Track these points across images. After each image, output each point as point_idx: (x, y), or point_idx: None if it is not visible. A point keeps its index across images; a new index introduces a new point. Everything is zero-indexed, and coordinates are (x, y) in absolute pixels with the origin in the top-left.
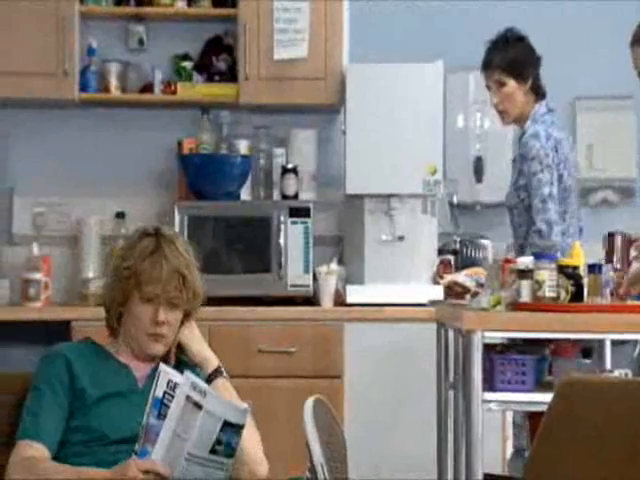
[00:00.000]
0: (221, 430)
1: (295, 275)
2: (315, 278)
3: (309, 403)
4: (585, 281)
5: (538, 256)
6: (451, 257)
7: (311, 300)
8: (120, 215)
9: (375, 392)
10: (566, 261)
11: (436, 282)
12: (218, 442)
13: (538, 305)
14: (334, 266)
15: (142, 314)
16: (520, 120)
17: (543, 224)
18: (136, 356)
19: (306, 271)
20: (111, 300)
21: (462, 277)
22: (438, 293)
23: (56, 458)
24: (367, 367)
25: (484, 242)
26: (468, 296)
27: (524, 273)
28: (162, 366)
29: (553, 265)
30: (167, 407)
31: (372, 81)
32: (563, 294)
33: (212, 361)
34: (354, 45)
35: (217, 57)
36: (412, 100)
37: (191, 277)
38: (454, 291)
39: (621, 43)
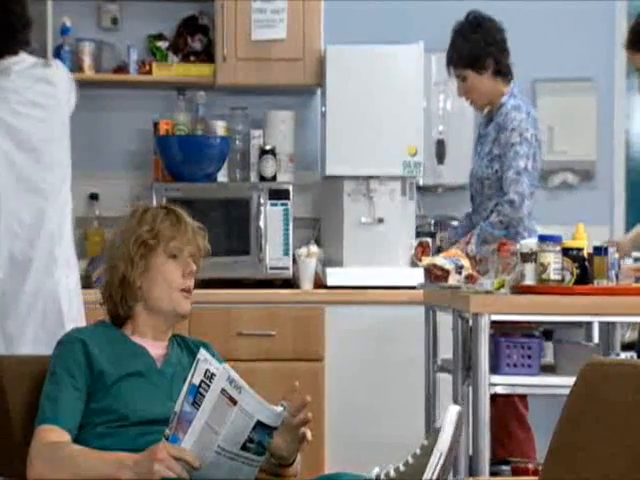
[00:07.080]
0: (253, 429)
1: (275, 257)
2: (294, 260)
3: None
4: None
5: (543, 238)
6: (429, 239)
7: (290, 282)
8: (94, 197)
9: (356, 375)
10: (571, 243)
11: (414, 264)
12: (250, 440)
13: (543, 288)
14: (314, 248)
15: (171, 269)
16: (491, 103)
17: (516, 195)
18: (154, 333)
19: (286, 253)
20: (124, 276)
21: (441, 259)
22: (417, 275)
23: (77, 441)
24: (348, 350)
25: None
26: (453, 279)
27: (528, 256)
28: (202, 353)
29: (558, 247)
30: (203, 396)
31: (352, 63)
32: (568, 276)
33: None
34: (332, 26)
35: (192, 37)
36: (392, 82)
37: (206, 236)
38: (433, 273)
39: (581, 25)
